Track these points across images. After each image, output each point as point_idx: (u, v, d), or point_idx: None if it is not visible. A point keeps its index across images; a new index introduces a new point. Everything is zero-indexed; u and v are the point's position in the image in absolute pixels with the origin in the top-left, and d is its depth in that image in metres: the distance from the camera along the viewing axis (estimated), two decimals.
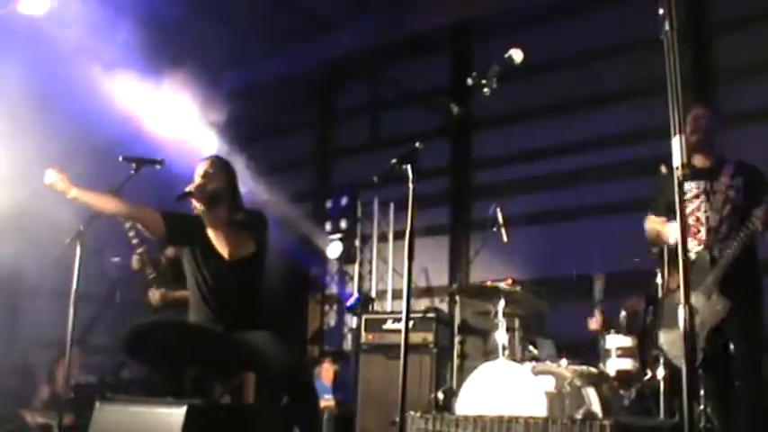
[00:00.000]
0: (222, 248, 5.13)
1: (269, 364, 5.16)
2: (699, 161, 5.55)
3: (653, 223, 5.73)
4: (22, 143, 7.47)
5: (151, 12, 7.85)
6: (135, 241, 6.66)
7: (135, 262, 6.87)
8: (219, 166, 5.54)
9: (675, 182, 2.67)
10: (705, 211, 5.45)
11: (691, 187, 5.51)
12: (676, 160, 2.65)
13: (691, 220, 5.48)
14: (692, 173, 5.50)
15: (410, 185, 3.91)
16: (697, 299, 5.21)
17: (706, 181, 5.49)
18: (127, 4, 7.83)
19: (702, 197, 5.48)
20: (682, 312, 2.57)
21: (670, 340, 5.47)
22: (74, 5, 7.75)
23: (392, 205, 10.25)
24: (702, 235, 5.44)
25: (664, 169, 5.34)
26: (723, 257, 5.26)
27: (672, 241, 5.59)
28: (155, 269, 6.82)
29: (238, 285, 5.30)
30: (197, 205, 5.18)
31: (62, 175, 5.35)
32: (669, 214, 5.56)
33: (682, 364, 4.72)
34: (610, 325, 6.98)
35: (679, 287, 4.86)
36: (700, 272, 5.33)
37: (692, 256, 5.41)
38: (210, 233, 5.16)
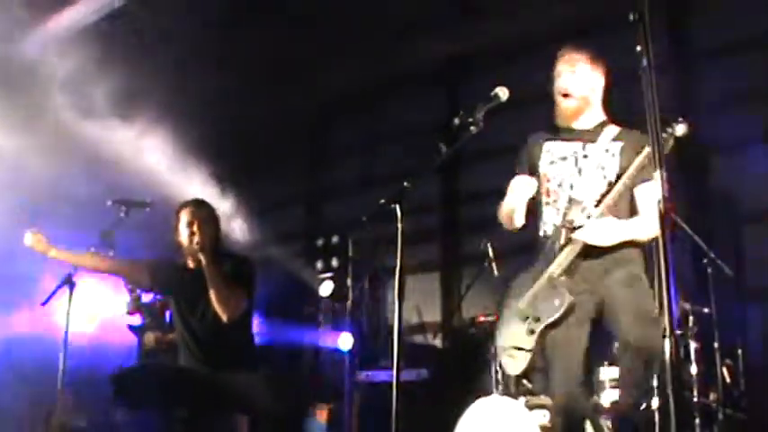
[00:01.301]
0: (221, 311, 5.16)
1: (257, 407, 5.19)
2: (580, 123, 4.88)
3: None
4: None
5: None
6: (129, 286, 6.69)
7: (129, 305, 6.89)
8: (209, 215, 5.55)
9: (659, 217, 2.68)
10: (570, 176, 4.72)
11: (558, 148, 4.88)
12: (659, 194, 2.68)
13: (552, 186, 4.80)
14: (567, 134, 4.90)
15: (399, 225, 3.94)
16: (538, 287, 4.63)
17: (580, 142, 4.78)
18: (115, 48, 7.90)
19: (570, 161, 4.77)
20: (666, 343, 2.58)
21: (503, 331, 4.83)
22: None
23: (383, 243, 10.25)
24: (560, 205, 4.73)
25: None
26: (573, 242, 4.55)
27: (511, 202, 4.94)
28: (149, 313, 6.84)
29: (227, 331, 5.32)
30: (191, 262, 5.22)
31: (40, 236, 5.39)
32: (523, 172, 5.02)
33: (509, 360, 4.61)
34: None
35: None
36: (548, 257, 4.68)
37: (549, 230, 4.78)
38: (212, 292, 5.18)
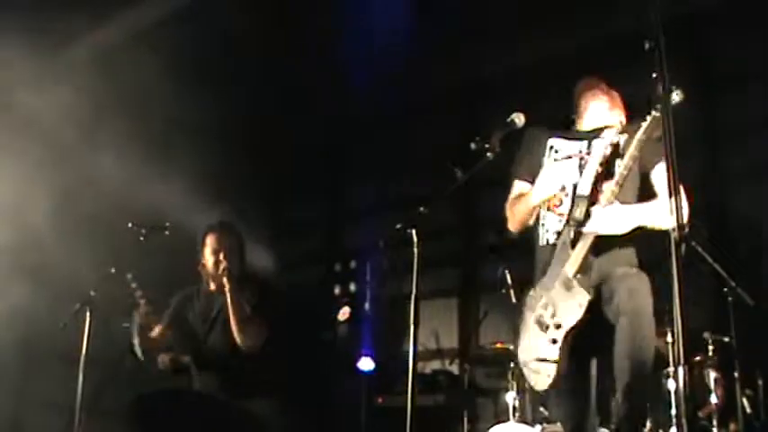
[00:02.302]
0: (241, 340, 5.17)
1: None
2: (586, 124, 4.81)
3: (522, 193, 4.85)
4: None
5: None
6: (142, 300, 6.67)
7: (142, 318, 6.87)
8: (235, 240, 5.55)
9: (672, 245, 2.67)
10: (573, 177, 4.54)
11: (564, 146, 4.72)
12: (672, 223, 2.67)
13: (556, 189, 4.61)
14: (576, 132, 4.80)
15: (415, 250, 3.94)
16: (554, 293, 4.44)
17: (586, 140, 4.65)
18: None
19: (575, 160, 4.61)
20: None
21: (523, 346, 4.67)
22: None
23: (401, 268, 10.23)
24: (565, 208, 4.54)
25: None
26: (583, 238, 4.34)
27: (535, 201, 4.72)
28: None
29: (243, 357, 5.32)
30: (213, 286, 5.24)
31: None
32: (526, 175, 4.88)
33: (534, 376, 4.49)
34: None
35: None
36: (559, 259, 4.47)
37: (551, 238, 4.64)
38: (233, 320, 5.18)
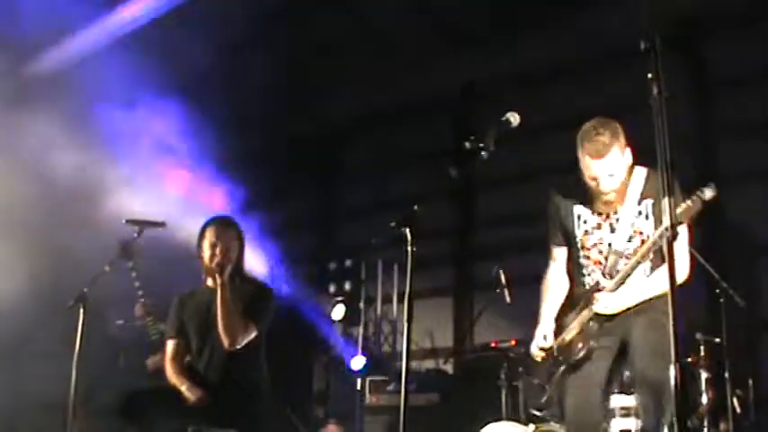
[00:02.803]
0: (225, 337, 5.17)
1: (262, 428, 5.19)
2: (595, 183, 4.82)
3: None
4: None
5: None
6: (140, 292, 6.67)
7: (138, 309, 6.87)
8: (234, 235, 5.55)
9: (665, 243, 2.70)
10: (609, 243, 4.76)
11: (591, 218, 4.90)
12: (666, 222, 2.69)
13: (593, 253, 4.86)
14: (597, 203, 4.89)
15: (409, 248, 3.95)
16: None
17: (611, 208, 4.80)
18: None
19: (605, 227, 4.82)
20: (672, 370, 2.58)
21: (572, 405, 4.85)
22: None
23: (396, 267, 10.27)
24: (602, 259, 4.82)
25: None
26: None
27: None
28: (157, 340, 6.82)
29: (234, 362, 5.32)
30: (211, 281, 5.24)
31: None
32: (570, 246, 5.02)
33: None
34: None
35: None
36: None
37: (589, 282, 4.89)
38: (219, 314, 5.19)
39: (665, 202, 2.71)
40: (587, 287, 4.88)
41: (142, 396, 5.22)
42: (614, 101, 8.65)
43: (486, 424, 6.52)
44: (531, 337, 5.25)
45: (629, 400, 6.61)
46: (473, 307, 9.99)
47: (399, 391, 3.98)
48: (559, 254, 5.19)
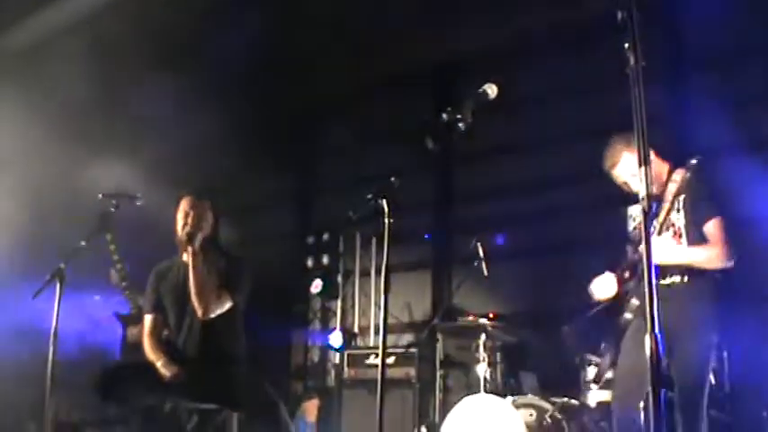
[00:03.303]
0: (198, 307, 5.15)
1: (241, 401, 5.18)
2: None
3: None
4: None
5: None
6: (115, 257, 6.64)
7: (113, 276, 6.84)
8: (207, 206, 5.52)
9: (642, 214, 2.70)
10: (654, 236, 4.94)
11: (636, 211, 5.25)
12: (642, 192, 2.69)
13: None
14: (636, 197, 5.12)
15: (386, 220, 3.94)
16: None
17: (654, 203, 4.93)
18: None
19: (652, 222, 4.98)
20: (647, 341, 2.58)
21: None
22: None
23: (374, 240, 10.27)
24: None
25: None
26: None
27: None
28: (136, 313, 6.79)
29: (212, 331, 5.30)
30: (188, 252, 5.21)
31: None
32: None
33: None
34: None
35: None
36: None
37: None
38: (191, 284, 5.17)
39: (641, 171, 2.71)
40: None
41: (119, 371, 5.21)
42: (593, 73, 8.69)
43: (464, 396, 6.55)
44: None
45: (606, 373, 6.66)
46: (452, 280, 10.00)
47: (377, 365, 3.97)
48: None
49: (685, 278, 4.94)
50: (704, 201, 4.89)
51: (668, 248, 4.88)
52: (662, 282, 4.94)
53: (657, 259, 4.71)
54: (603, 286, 5.39)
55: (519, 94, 8.79)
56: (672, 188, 4.86)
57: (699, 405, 4.78)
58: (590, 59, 8.73)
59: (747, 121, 7.93)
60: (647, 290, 2.66)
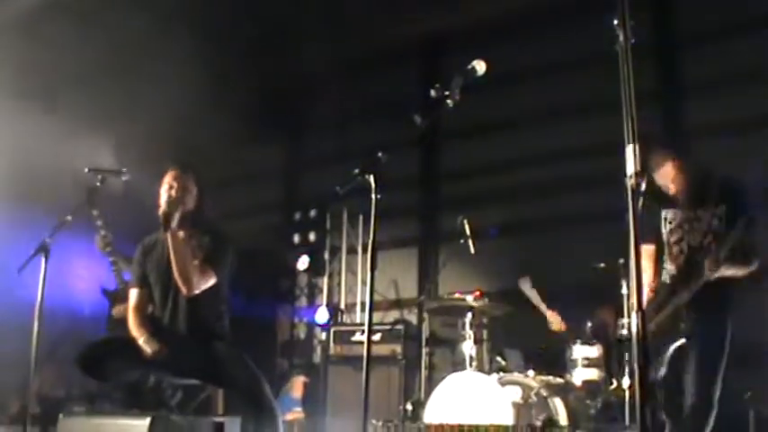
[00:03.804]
0: (181, 283, 5.13)
1: (225, 377, 5.17)
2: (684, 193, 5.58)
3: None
4: None
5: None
6: (99, 222, 6.60)
7: (97, 242, 6.79)
8: (192, 181, 5.47)
9: (629, 193, 2.69)
10: (688, 240, 5.46)
11: (675, 215, 5.56)
12: (630, 169, 2.68)
13: (675, 250, 5.52)
14: (676, 201, 5.56)
15: (373, 195, 3.92)
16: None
17: (689, 209, 5.49)
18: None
19: (686, 226, 5.50)
20: (634, 319, 2.59)
21: None
22: None
23: (361, 217, 10.26)
24: (680, 259, 5.49)
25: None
26: (671, 303, 5.33)
27: None
28: (122, 289, 6.76)
29: (196, 307, 5.28)
30: (169, 229, 5.17)
31: None
32: (651, 240, 5.64)
33: None
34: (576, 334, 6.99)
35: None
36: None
37: (666, 279, 5.56)
38: (173, 260, 5.14)
39: (629, 149, 2.70)
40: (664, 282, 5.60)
41: (103, 347, 5.18)
42: (581, 50, 8.67)
43: (450, 374, 6.56)
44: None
45: (592, 351, 6.68)
46: (438, 257, 10.00)
47: (363, 342, 3.97)
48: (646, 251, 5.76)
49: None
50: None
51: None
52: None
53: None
54: None
55: (506, 70, 8.77)
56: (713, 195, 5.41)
57: (717, 368, 5.14)
58: (577, 36, 8.71)
59: (737, 99, 7.95)
60: (633, 266, 2.66)
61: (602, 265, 6.72)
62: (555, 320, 7.10)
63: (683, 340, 5.25)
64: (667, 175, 5.48)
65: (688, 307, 5.26)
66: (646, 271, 5.57)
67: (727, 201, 5.37)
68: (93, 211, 6.41)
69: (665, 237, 5.60)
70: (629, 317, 6.08)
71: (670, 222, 5.59)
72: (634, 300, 2.65)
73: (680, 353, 5.26)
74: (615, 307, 6.70)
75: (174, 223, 5.17)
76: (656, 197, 5.54)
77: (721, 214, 5.36)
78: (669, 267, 5.57)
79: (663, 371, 5.25)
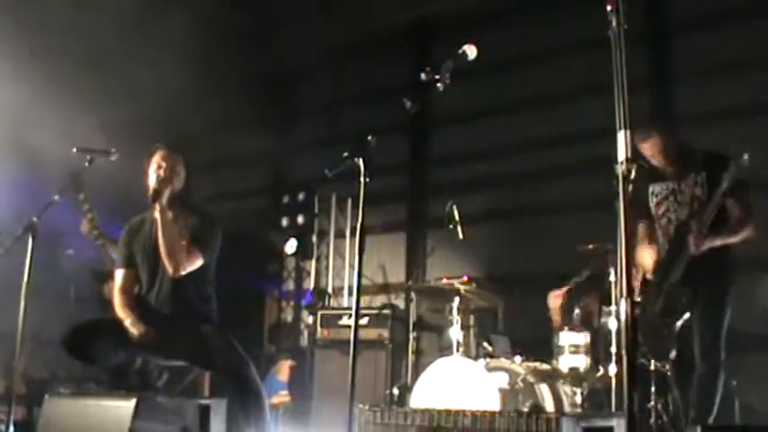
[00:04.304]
0: (168, 263, 5.11)
1: (209, 360, 5.16)
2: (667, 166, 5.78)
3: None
4: None
5: None
6: (86, 206, 6.56)
7: (84, 225, 6.76)
8: (182, 160, 5.45)
9: (620, 179, 2.68)
10: (674, 211, 5.69)
11: (661, 189, 5.78)
12: (621, 155, 2.67)
13: (663, 222, 5.76)
14: (661, 175, 5.78)
15: (362, 179, 3.91)
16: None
17: (673, 181, 5.71)
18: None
19: (671, 198, 5.72)
20: (623, 305, 2.58)
21: None
22: None
23: (349, 201, 10.26)
24: (669, 231, 5.72)
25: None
26: (666, 283, 5.56)
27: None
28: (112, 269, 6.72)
29: (183, 289, 5.26)
30: (156, 208, 5.15)
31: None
32: (643, 217, 5.86)
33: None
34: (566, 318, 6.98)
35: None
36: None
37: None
38: (161, 240, 5.13)
39: (620, 135, 2.69)
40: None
41: (89, 329, 5.15)
42: (572, 36, 8.66)
43: (437, 359, 6.56)
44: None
45: (579, 338, 6.68)
46: (426, 243, 10.01)
47: (350, 326, 3.95)
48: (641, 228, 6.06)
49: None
50: (745, 196, 5.48)
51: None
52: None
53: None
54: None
55: (497, 55, 8.77)
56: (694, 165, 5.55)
57: (718, 335, 5.37)
58: (569, 22, 8.71)
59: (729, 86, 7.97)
60: (622, 254, 2.66)
61: (591, 246, 6.70)
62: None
63: (686, 315, 5.39)
64: (651, 149, 5.71)
65: (685, 281, 5.42)
66: (644, 250, 5.84)
67: (707, 168, 5.56)
68: (80, 195, 6.37)
69: (653, 211, 5.85)
70: (617, 304, 6.10)
71: (656, 196, 5.83)
72: (622, 287, 2.65)
73: (686, 329, 5.41)
74: (600, 295, 6.70)
75: (164, 201, 5.16)
76: (643, 174, 5.65)
77: (702, 181, 5.58)
78: (662, 242, 5.78)
79: (673, 353, 5.43)
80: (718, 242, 5.44)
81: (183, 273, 5.16)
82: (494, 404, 5.84)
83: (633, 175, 4.77)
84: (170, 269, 5.13)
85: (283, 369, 9.03)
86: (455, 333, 6.60)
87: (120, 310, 5.25)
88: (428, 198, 10.28)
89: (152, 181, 5.29)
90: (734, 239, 5.48)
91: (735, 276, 5.59)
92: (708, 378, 5.28)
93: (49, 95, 7.94)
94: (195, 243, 5.24)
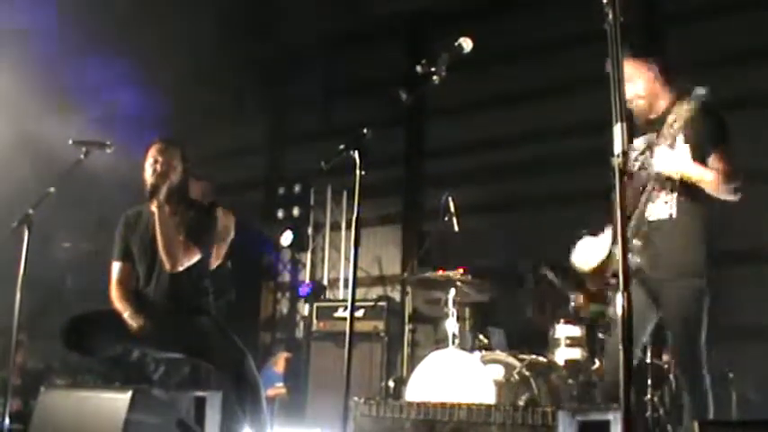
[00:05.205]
0: (166, 259, 5.11)
1: (208, 353, 5.16)
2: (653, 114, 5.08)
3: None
4: None
5: None
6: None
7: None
8: (178, 154, 5.45)
9: (616, 172, 2.67)
10: (650, 165, 4.89)
11: (639, 142, 5.09)
12: (617, 148, 2.66)
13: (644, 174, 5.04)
14: (644, 128, 5.10)
15: (357, 171, 3.91)
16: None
17: (652, 133, 4.97)
18: None
19: (647, 153, 4.98)
20: (619, 299, 2.57)
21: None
22: None
23: (345, 193, 10.26)
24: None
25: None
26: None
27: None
28: None
29: (180, 282, 5.26)
30: (154, 202, 5.15)
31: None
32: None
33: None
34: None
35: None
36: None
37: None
38: (158, 235, 5.12)
39: (617, 128, 2.68)
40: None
41: (85, 320, 5.15)
42: (569, 28, 8.65)
43: (432, 351, 6.56)
44: None
45: (575, 331, 6.69)
46: (422, 234, 10.00)
47: (346, 318, 3.96)
48: None
49: (674, 214, 4.82)
50: (713, 130, 4.80)
51: (679, 159, 4.72)
52: (649, 219, 4.83)
53: (667, 168, 4.72)
54: (587, 253, 5.33)
55: (493, 47, 8.74)
56: (674, 118, 4.77)
57: (697, 360, 4.70)
58: (565, 14, 8.70)
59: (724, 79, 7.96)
60: (620, 244, 2.65)
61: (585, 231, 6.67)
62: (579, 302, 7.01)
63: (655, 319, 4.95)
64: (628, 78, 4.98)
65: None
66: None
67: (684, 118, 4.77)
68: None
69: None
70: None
71: (635, 150, 5.13)
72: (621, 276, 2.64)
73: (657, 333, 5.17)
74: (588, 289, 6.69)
75: (162, 196, 5.16)
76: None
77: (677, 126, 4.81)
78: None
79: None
80: (692, 167, 4.71)
81: (181, 268, 5.16)
82: (489, 397, 5.84)
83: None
84: (167, 264, 5.13)
85: (279, 361, 9.03)
86: (451, 325, 6.59)
87: (118, 303, 5.25)
88: (424, 190, 10.27)
89: (149, 174, 5.28)
90: (706, 176, 4.69)
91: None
92: (692, 391, 4.72)
93: (44, 88, 7.95)
94: (192, 238, 5.23)
